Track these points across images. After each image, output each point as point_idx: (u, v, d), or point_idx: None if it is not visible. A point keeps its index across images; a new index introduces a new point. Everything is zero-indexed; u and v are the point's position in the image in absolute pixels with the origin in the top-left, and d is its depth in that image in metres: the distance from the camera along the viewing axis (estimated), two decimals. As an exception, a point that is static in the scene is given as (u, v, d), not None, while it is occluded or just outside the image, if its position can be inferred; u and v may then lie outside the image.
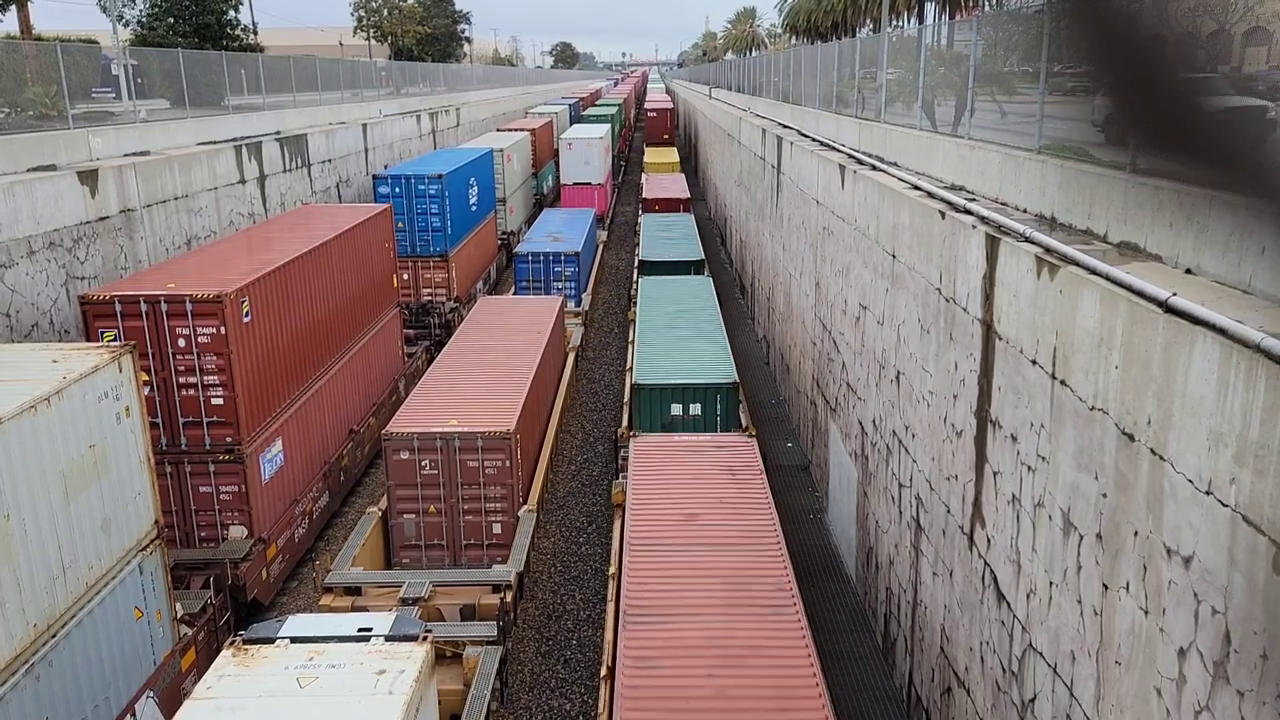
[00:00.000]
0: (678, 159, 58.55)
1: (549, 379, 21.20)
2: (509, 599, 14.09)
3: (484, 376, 17.97)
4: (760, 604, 10.82)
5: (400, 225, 27.84)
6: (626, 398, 19.47)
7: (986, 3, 45.57)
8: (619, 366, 28.39)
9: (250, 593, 15.30)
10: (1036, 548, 9.29)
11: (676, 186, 44.68)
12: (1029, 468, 9.44)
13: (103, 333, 14.43)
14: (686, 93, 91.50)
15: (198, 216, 22.45)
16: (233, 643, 9.36)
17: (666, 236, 32.90)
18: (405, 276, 28.16)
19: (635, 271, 30.68)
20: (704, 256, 30.18)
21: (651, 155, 61.14)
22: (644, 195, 43.17)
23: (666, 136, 73.99)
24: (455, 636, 13.25)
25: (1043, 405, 9.07)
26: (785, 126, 28.37)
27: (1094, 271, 8.05)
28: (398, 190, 28.61)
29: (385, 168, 35.73)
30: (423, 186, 28.68)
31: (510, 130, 50.34)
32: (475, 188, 33.05)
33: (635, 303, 24.75)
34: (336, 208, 27.52)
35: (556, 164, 49.84)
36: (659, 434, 16.19)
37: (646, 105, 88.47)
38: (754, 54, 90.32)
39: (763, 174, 30.25)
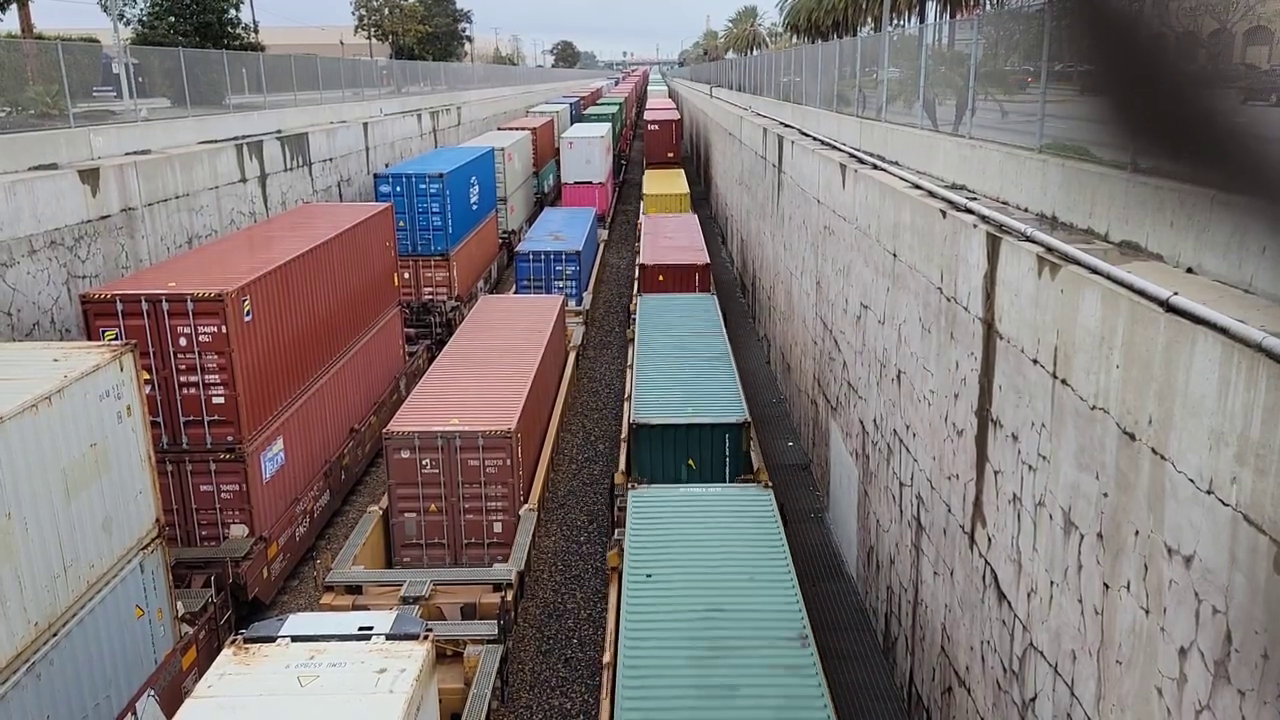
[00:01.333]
0: (687, 190, 42.88)
1: (550, 378, 21.20)
2: (510, 598, 14.09)
3: (485, 375, 17.97)
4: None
5: (401, 224, 27.84)
6: None
7: (988, 2, 45.56)
8: (619, 366, 28.38)
9: (251, 591, 15.30)
10: (1037, 547, 9.29)
11: (688, 238, 30.41)
12: (1030, 467, 9.44)
13: (104, 331, 14.44)
14: (693, 95, 77.97)
15: (199, 215, 22.45)
16: (234, 641, 9.36)
17: (677, 356, 19.10)
18: (406, 275, 28.17)
19: (623, 447, 17.61)
20: (748, 414, 16.54)
21: (653, 183, 44.65)
22: (641, 259, 27.74)
23: (671, 155, 56.11)
24: (456, 635, 13.26)
25: (1044, 404, 9.07)
26: (786, 125, 28.36)
27: (1095, 271, 8.05)
28: (399, 189, 28.62)
29: (386, 166, 35.73)
30: (424, 185, 28.69)
31: (511, 129, 50.33)
32: (476, 187, 33.05)
33: (621, 534, 13.47)
34: (337, 206, 27.51)
35: (557, 163, 49.83)
36: None
37: (647, 115, 65.34)
38: (755, 53, 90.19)
39: (764, 173, 30.24)
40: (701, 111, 65.03)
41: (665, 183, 44.25)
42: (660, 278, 26.48)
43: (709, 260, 27.37)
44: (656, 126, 57.80)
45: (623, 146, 77.02)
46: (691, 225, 32.86)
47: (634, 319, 22.71)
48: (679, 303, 23.18)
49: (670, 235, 30.71)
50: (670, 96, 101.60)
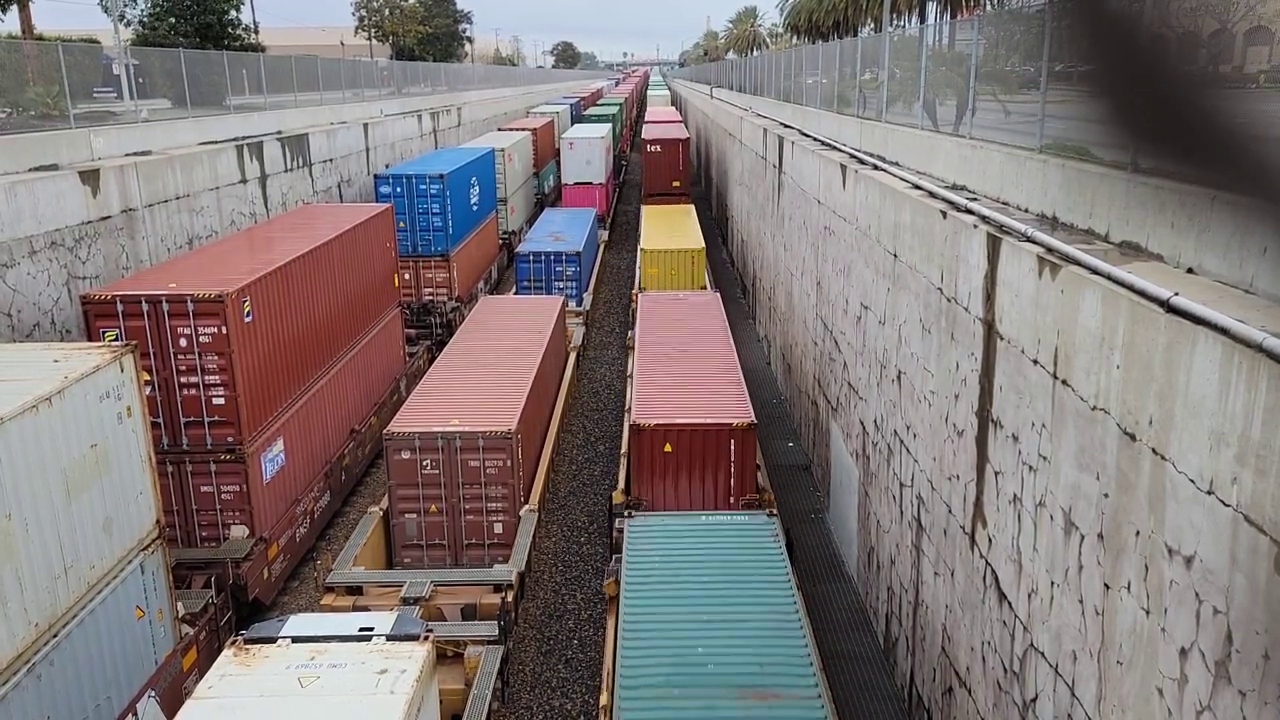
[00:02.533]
0: (702, 243, 29.76)
1: (550, 379, 21.20)
2: (510, 598, 14.09)
3: (485, 376, 17.97)
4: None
5: (402, 225, 27.86)
6: None
7: (988, 2, 45.57)
8: (619, 367, 28.38)
9: (251, 592, 15.30)
10: (1038, 547, 9.29)
11: (714, 353, 18.42)
12: (1030, 467, 9.43)
13: (104, 332, 14.44)
14: (695, 97, 69.43)
15: (199, 216, 22.45)
16: (234, 642, 9.36)
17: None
18: (406, 276, 28.18)
19: None
20: None
21: (653, 230, 31.70)
22: (633, 411, 15.98)
23: (678, 185, 40.83)
24: (456, 636, 13.26)
25: (1044, 405, 9.07)
26: (787, 126, 28.36)
27: (1095, 271, 8.05)
28: (399, 190, 28.64)
29: (386, 167, 35.73)
30: (424, 186, 28.70)
31: (511, 130, 50.34)
32: (476, 187, 33.07)
33: None
34: (338, 207, 27.52)
35: (558, 163, 49.81)
36: None
37: (646, 133, 46.62)
38: (755, 54, 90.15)
39: (764, 173, 30.24)
40: (702, 113, 64.51)
41: (670, 229, 31.75)
42: (668, 447, 15.02)
43: (753, 416, 15.40)
44: (659, 148, 41.81)
45: (623, 148, 76.94)
46: (714, 318, 20.69)
47: (620, 567, 12.24)
48: (705, 540, 12.63)
49: (683, 343, 18.88)
50: (673, 103, 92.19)
